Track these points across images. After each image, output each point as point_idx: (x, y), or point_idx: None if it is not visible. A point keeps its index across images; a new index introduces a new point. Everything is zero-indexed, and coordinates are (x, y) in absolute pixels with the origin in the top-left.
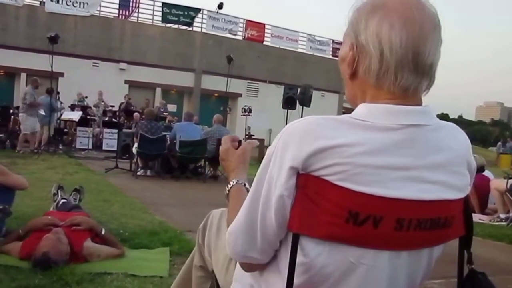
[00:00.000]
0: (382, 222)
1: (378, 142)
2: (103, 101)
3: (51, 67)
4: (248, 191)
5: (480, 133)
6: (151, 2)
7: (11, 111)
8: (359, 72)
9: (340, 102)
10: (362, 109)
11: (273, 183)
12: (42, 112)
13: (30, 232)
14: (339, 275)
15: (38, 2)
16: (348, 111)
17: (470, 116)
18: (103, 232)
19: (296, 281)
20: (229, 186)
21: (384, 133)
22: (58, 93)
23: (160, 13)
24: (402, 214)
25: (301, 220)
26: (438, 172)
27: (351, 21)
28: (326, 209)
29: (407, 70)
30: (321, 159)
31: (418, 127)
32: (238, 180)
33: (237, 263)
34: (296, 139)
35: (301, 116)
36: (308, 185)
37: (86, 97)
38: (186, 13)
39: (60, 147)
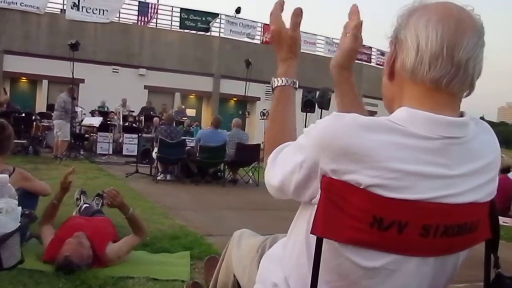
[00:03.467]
0: (407, 228)
1: (413, 149)
2: (125, 109)
3: (72, 73)
4: (296, 89)
5: (503, 134)
6: (169, 8)
7: (33, 117)
8: (396, 68)
9: None
10: (403, 113)
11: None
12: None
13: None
14: (362, 278)
15: (59, 10)
16: (368, 113)
17: (492, 117)
18: (130, 211)
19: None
20: (276, 81)
21: (420, 141)
22: (74, 98)
23: (178, 19)
24: (429, 221)
25: (325, 225)
26: (471, 180)
27: (394, 25)
28: (350, 214)
29: (441, 61)
30: (349, 162)
31: (456, 139)
32: (287, 80)
33: (259, 264)
34: (326, 137)
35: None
36: (332, 189)
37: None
38: (204, 18)
39: (81, 152)
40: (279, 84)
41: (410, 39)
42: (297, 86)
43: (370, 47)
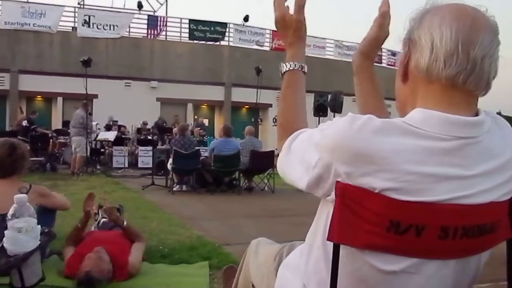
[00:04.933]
0: (425, 231)
1: (428, 151)
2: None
3: (86, 89)
4: (305, 74)
5: None
6: (178, 20)
7: (50, 134)
8: (410, 68)
9: None
10: (417, 114)
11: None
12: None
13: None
14: (381, 283)
15: (70, 28)
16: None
17: (509, 112)
18: (125, 224)
19: None
20: (285, 66)
21: (435, 142)
22: (90, 114)
23: (187, 30)
24: (447, 222)
25: (341, 230)
26: (488, 179)
27: (407, 28)
28: (366, 219)
29: (456, 58)
30: (363, 165)
31: (471, 138)
32: (295, 64)
33: (277, 273)
34: (340, 140)
35: None
36: (347, 194)
37: (116, 121)
38: (212, 28)
39: (98, 167)
40: (287, 69)
41: (424, 38)
42: (305, 70)
43: (381, 48)
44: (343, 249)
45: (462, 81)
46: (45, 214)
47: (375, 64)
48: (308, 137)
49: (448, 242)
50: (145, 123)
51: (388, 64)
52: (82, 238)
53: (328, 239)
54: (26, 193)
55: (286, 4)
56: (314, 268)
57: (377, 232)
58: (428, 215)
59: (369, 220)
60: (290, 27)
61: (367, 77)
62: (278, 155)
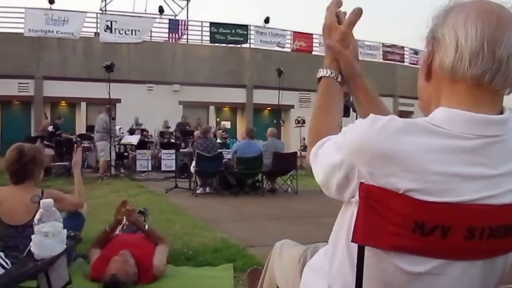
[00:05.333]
0: (451, 232)
1: (452, 150)
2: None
3: (109, 94)
4: (341, 84)
5: None
6: (199, 24)
7: (74, 139)
8: (434, 68)
9: (395, 106)
10: (440, 114)
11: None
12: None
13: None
14: (407, 284)
15: (93, 34)
16: (404, 114)
17: None
18: (146, 227)
19: None
20: (321, 72)
21: (460, 141)
22: (114, 118)
23: (208, 33)
24: (473, 223)
25: (365, 232)
26: None
27: (429, 25)
28: (390, 220)
29: (482, 56)
30: (387, 166)
31: (496, 137)
32: (331, 72)
33: (302, 275)
34: (363, 141)
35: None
36: (370, 196)
37: (141, 124)
38: (233, 31)
39: (122, 170)
40: (322, 75)
41: (448, 36)
42: (339, 79)
43: (403, 47)
44: (367, 251)
45: (488, 80)
46: (74, 218)
47: (397, 63)
48: (333, 142)
49: (474, 243)
50: (167, 126)
51: (411, 63)
52: (108, 240)
53: (352, 241)
54: (39, 202)
55: (336, 14)
56: (339, 270)
57: (402, 233)
58: (454, 215)
59: (394, 221)
60: (335, 36)
61: (360, 91)
62: (304, 156)
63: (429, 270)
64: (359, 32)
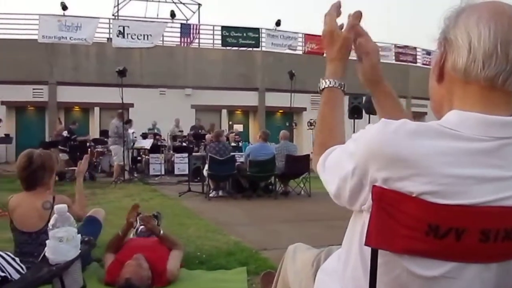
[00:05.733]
0: (465, 235)
1: (465, 153)
2: (178, 129)
3: (122, 99)
4: (343, 93)
5: None
6: (211, 27)
7: (88, 144)
8: (446, 69)
9: (408, 107)
10: (453, 117)
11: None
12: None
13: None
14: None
15: (105, 39)
16: (418, 115)
17: None
18: (161, 233)
19: None
20: (324, 83)
21: (473, 143)
22: (127, 123)
23: (220, 37)
24: (488, 225)
25: (379, 235)
26: None
27: (441, 27)
28: (404, 223)
29: (495, 58)
30: (400, 169)
31: (510, 139)
32: (335, 82)
33: (315, 278)
34: (375, 145)
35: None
36: (383, 199)
37: (153, 129)
38: (245, 34)
39: (135, 174)
40: (326, 86)
41: (461, 37)
42: (344, 88)
43: (415, 48)
44: (381, 255)
45: (502, 81)
46: (92, 224)
47: (410, 64)
48: (341, 150)
49: (489, 245)
50: (180, 130)
51: (424, 64)
52: (122, 245)
53: (365, 244)
54: (51, 208)
55: (338, 20)
56: (352, 274)
57: (415, 236)
58: (467, 218)
59: (407, 224)
60: (336, 43)
61: (383, 95)
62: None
63: (443, 273)
64: (371, 33)
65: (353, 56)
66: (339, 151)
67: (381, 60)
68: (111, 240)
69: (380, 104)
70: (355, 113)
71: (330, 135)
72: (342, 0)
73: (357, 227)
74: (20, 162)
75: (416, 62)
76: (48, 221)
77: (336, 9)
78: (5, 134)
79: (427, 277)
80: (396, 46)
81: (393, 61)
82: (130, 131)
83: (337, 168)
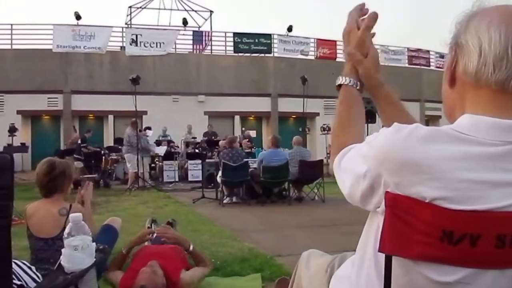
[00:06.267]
0: (480, 240)
1: (479, 157)
2: (190, 135)
3: (135, 107)
4: (360, 91)
5: None
6: (223, 34)
7: (102, 152)
8: (458, 73)
9: (422, 110)
10: (465, 121)
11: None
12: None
13: (131, 252)
14: None
15: (119, 48)
16: (432, 119)
17: None
18: (191, 248)
19: None
20: (340, 79)
21: (486, 148)
22: (141, 131)
23: (232, 43)
24: (503, 230)
25: (392, 241)
26: None
27: (453, 31)
28: (417, 229)
29: (506, 61)
30: (412, 174)
31: None
32: (350, 80)
33: (329, 285)
34: (387, 150)
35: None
36: (397, 205)
37: (167, 135)
38: (257, 40)
39: (149, 181)
40: (341, 82)
41: (472, 42)
42: (359, 87)
43: (428, 51)
44: (395, 261)
45: None
46: (110, 232)
47: (423, 67)
48: (356, 151)
49: (505, 251)
50: (193, 137)
51: (437, 67)
52: (124, 262)
53: (379, 251)
54: (67, 215)
55: (358, 20)
56: (366, 280)
57: (430, 242)
58: (482, 223)
59: (421, 230)
60: (352, 43)
61: (382, 99)
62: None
63: (458, 279)
64: (384, 37)
65: None
66: (354, 152)
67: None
68: (116, 258)
69: (380, 108)
70: (368, 117)
71: (346, 134)
72: (359, 1)
73: (372, 231)
74: (42, 168)
75: (429, 65)
76: (64, 227)
77: (359, 10)
78: (21, 143)
79: (442, 283)
80: (409, 50)
81: (406, 65)
82: (148, 138)
83: (350, 169)
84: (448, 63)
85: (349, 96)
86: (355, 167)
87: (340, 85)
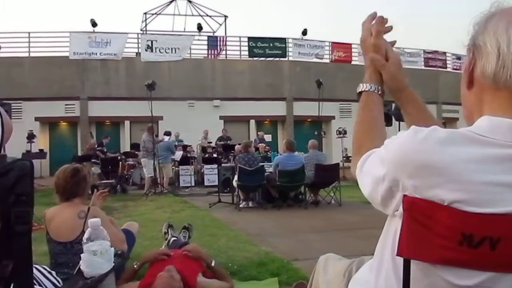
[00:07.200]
0: (500, 244)
1: (498, 159)
2: (206, 140)
3: (151, 112)
4: (381, 97)
5: None
6: (237, 39)
7: (119, 157)
8: (476, 76)
9: (439, 112)
10: (484, 123)
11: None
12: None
13: (143, 266)
14: None
15: (134, 54)
16: (449, 121)
17: None
18: (213, 264)
19: None
20: (361, 86)
21: (506, 150)
22: (157, 136)
23: (246, 48)
24: None
25: (411, 245)
26: None
27: (470, 33)
28: (437, 232)
29: None
30: (430, 177)
31: None
32: (371, 86)
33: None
34: (404, 153)
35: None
36: (415, 208)
37: (182, 140)
38: (271, 44)
39: (166, 186)
40: (362, 89)
41: (490, 43)
42: (380, 92)
43: (444, 53)
44: (414, 264)
45: None
46: (127, 236)
47: (439, 69)
48: (376, 155)
49: None
50: (209, 142)
51: (454, 69)
52: (135, 276)
53: (397, 255)
54: (85, 217)
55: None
56: (385, 284)
57: (449, 246)
58: (502, 226)
59: (440, 233)
60: (368, 51)
61: (409, 102)
62: (346, 167)
63: (478, 283)
64: (400, 39)
65: None
66: (374, 156)
67: (410, 66)
68: (126, 272)
69: (406, 111)
70: (385, 120)
71: (368, 139)
72: (373, 3)
73: (390, 235)
74: (65, 172)
75: (446, 67)
76: (83, 230)
77: (371, 19)
78: (39, 149)
79: (462, 286)
80: (425, 52)
81: (423, 67)
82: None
83: (370, 173)
84: (466, 65)
85: (370, 101)
86: (374, 170)
87: (360, 92)
